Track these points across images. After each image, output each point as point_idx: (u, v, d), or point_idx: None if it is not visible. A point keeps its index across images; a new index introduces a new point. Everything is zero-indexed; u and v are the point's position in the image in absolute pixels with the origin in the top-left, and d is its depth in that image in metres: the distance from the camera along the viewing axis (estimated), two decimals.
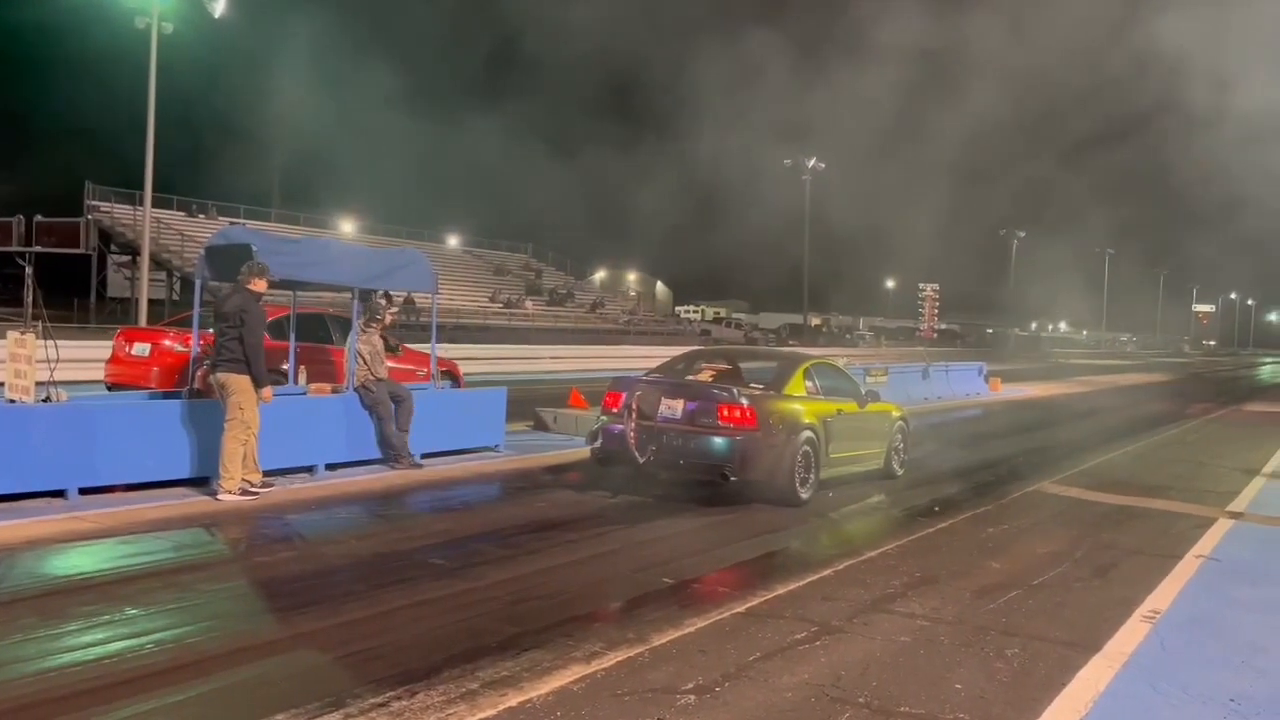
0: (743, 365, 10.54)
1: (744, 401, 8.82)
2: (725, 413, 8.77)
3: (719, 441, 8.73)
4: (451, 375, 14.68)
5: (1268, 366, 78.87)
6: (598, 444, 9.47)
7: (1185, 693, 4.57)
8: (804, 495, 9.13)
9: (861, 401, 10.39)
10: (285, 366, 11.51)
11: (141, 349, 12.29)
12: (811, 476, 9.27)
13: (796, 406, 9.37)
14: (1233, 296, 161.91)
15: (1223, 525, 8.86)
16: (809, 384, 9.83)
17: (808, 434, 9.20)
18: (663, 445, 8.90)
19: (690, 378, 10.05)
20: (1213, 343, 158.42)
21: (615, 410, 9.29)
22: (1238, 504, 10.07)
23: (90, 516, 7.14)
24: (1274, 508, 9.93)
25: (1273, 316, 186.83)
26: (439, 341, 12.52)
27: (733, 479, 8.74)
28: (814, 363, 10.46)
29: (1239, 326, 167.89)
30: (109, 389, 12.15)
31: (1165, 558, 7.45)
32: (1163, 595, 6.34)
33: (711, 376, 10.02)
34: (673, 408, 8.97)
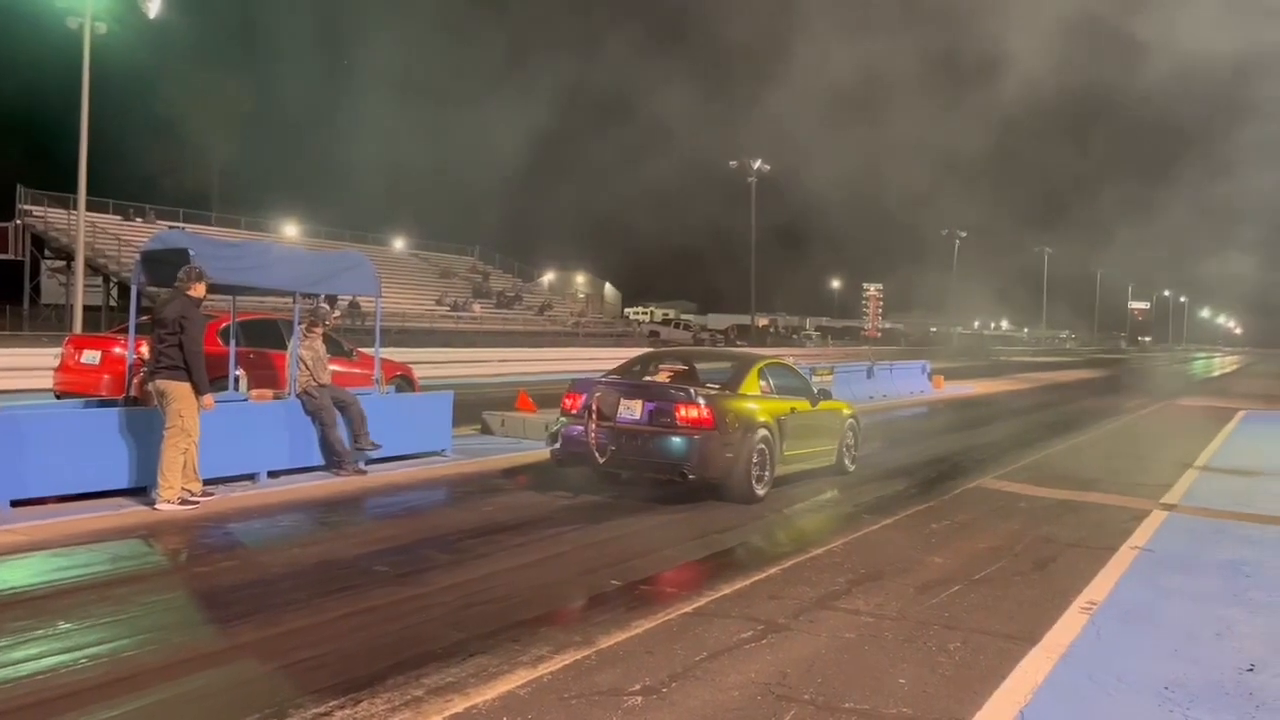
0: (698, 366, 10.69)
1: (701, 401, 8.93)
2: (683, 412, 8.88)
3: (677, 441, 8.84)
4: (407, 379, 14.70)
5: (1200, 361, 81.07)
6: (557, 445, 9.56)
7: (1121, 682, 4.68)
8: (760, 492, 9.28)
9: (814, 400, 10.60)
10: (238, 372, 11.48)
11: (91, 357, 12.16)
12: (767, 474, 9.43)
13: (752, 406, 9.51)
14: (1166, 294, 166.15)
15: (1157, 517, 9.08)
16: (763, 384, 10.00)
17: (763, 433, 9.35)
18: (622, 446, 9.00)
19: (648, 379, 10.18)
20: (1148, 339, 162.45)
21: (574, 412, 9.37)
22: (1171, 496, 10.32)
23: (22, 529, 6.95)
24: (1206, 499, 10.19)
25: (1205, 312, 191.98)
26: (384, 345, 12.40)
27: (691, 478, 8.84)
28: (768, 363, 10.62)
29: (1173, 322, 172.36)
30: (58, 397, 11.95)
31: (1102, 550, 7.61)
32: (1099, 587, 6.48)
33: (668, 377, 10.19)
34: (632, 408, 9.07)
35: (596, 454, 9.05)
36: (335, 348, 13.37)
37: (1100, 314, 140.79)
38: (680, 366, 10.62)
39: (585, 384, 9.55)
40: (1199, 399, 29.07)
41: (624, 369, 10.85)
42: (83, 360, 12.20)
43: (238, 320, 11.43)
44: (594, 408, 9.12)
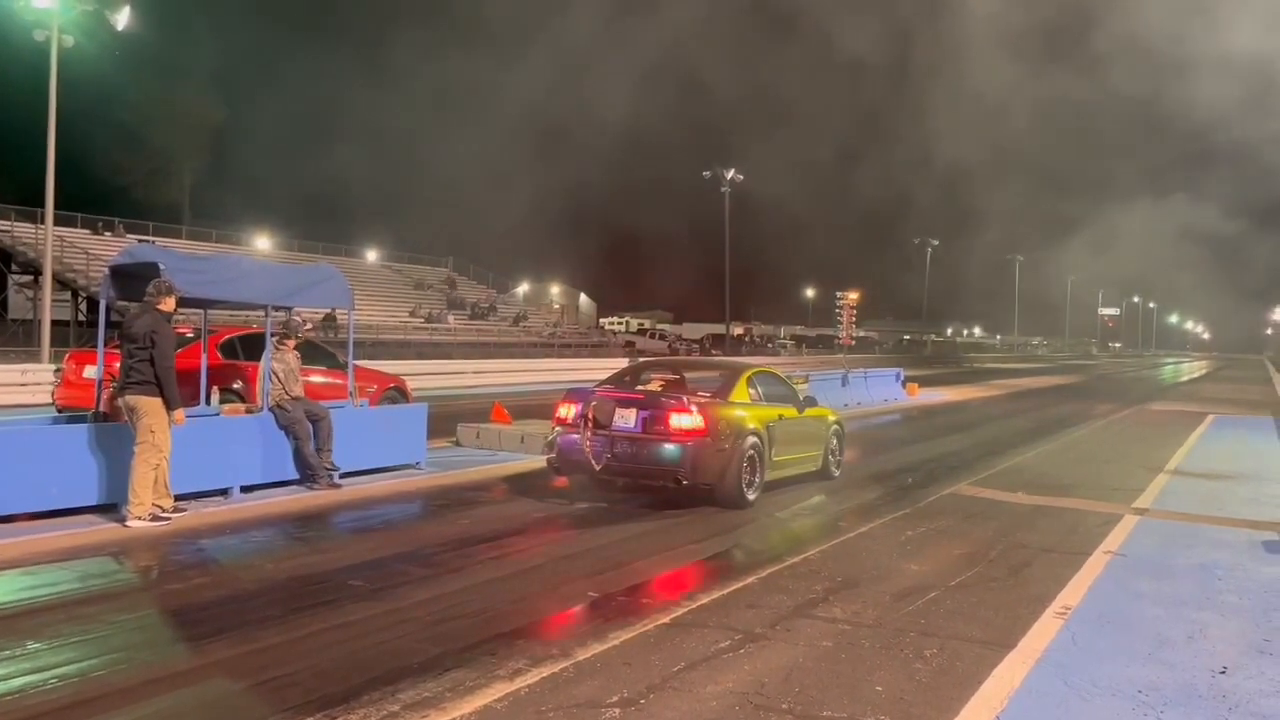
0: (688, 375, 11.00)
1: (694, 409, 9.12)
2: (676, 420, 9.07)
3: (671, 448, 9.03)
4: (401, 391, 14.81)
5: (1169, 366, 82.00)
6: (553, 454, 9.74)
7: (1096, 686, 4.71)
8: (751, 497, 9.46)
9: (800, 407, 10.84)
10: (236, 385, 11.64)
11: (94, 372, 12.13)
12: (757, 479, 9.62)
13: (741, 413, 9.68)
14: (1135, 300, 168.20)
15: (1129, 521, 9.16)
16: (752, 391, 10.23)
17: (753, 439, 9.54)
18: (617, 453, 9.21)
19: (640, 388, 10.37)
20: (1118, 344, 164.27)
21: (570, 421, 9.52)
22: (1143, 500, 10.43)
23: None
24: (1177, 503, 10.30)
25: (1173, 318, 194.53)
26: (358, 358, 12.35)
27: (685, 483, 9.03)
28: (756, 371, 10.83)
29: (1142, 328, 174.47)
30: (59, 412, 11.88)
31: (1075, 555, 7.67)
32: (1073, 591, 6.53)
33: (660, 386, 10.43)
34: (626, 417, 9.25)
35: (592, 461, 9.26)
36: (331, 360, 13.40)
37: (1071, 320, 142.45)
38: (671, 376, 10.92)
39: (580, 393, 9.74)
40: (1169, 404, 29.39)
41: (616, 378, 11.08)
42: (85, 375, 12.21)
43: (240, 335, 11.59)
44: (589, 416, 9.32)
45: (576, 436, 9.38)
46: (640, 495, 9.74)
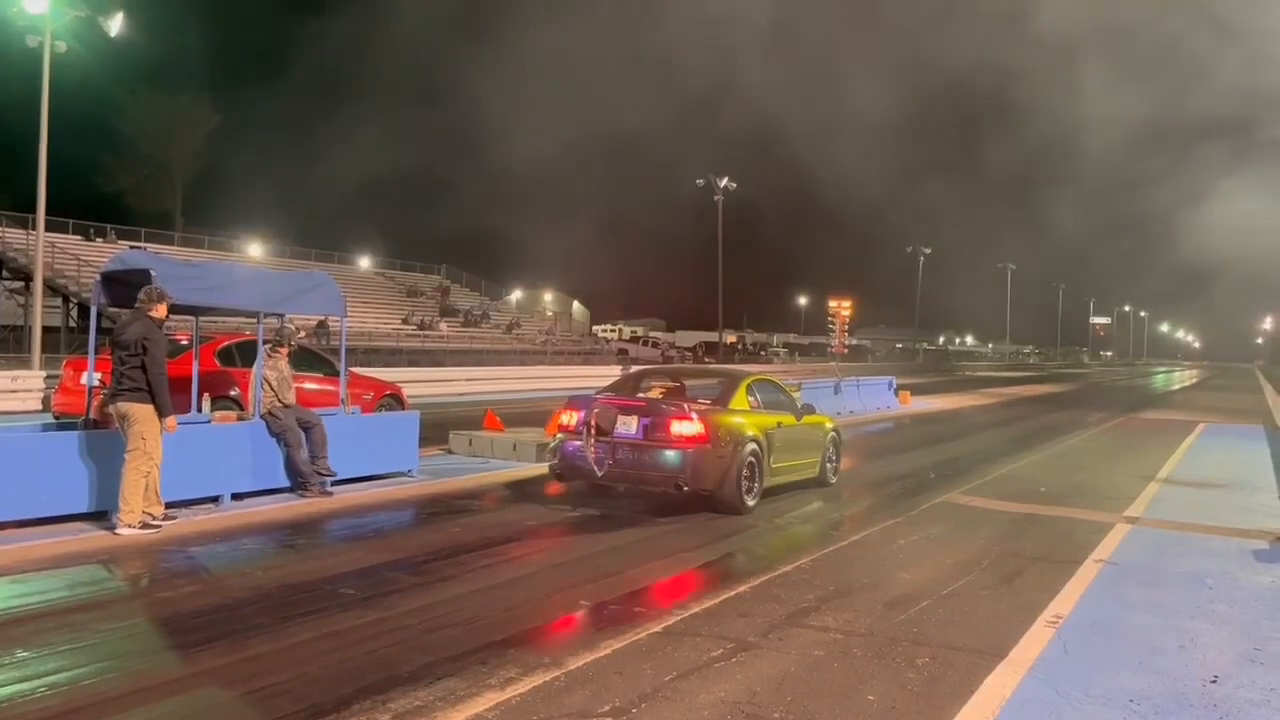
0: (688, 382, 11.10)
1: (695, 416, 9.22)
2: (677, 427, 9.18)
3: (672, 454, 9.12)
4: (397, 398, 15.04)
5: (1160, 375, 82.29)
6: (556, 461, 9.83)
7: (1087, 695, 4.71)
8: (750, 503, 9.54)
9: (798, 414, 10.92)
10: (233, 393, 11.80)
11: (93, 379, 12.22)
12: (756, 485, 9.69)
13: (741, 420, 9.77)
14: (1127, 309, 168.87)
15: (1121, 530, 9.18)
16: (751, 399, 10.31)
17: (752, 446, 9.62)
18: (619, 459, 9.31)
19: (642, 395, 10.48)
20: (1110, 353, 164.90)
21: (572, 428, 9.60)
22: (1134, 509, 10.45)
23: None
24: (1168, 512, 10.32)
25: (1164, 327, 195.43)
26: (350, 365, 12.34)
27: (685, 489, 9.12)
28: (755, 379, 10.91)
29: (1134, 337, 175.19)
30: (56, 419, 11.82)
31: (1067, 563, 7.68)
32: (1065, 600, 6.54)
33: (661, 394, 10.56)
34: (628, 424, 9.35)
35: (595, 468, 9.36)
36: (328, 367, 13.40)
37: (1063, 329, 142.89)
38: (671, 383, 11.05)
39: (583, 400, 9.84)
40: (1160, 412, 29.48)
41: (617, 386, 11.20)
42: (84, 382, 12.22)
43: (237, 342, 11.94)
44: (592, 423, 9.39)
45: (579, 443, 9.46)
46: (636, 501, 9.75)
